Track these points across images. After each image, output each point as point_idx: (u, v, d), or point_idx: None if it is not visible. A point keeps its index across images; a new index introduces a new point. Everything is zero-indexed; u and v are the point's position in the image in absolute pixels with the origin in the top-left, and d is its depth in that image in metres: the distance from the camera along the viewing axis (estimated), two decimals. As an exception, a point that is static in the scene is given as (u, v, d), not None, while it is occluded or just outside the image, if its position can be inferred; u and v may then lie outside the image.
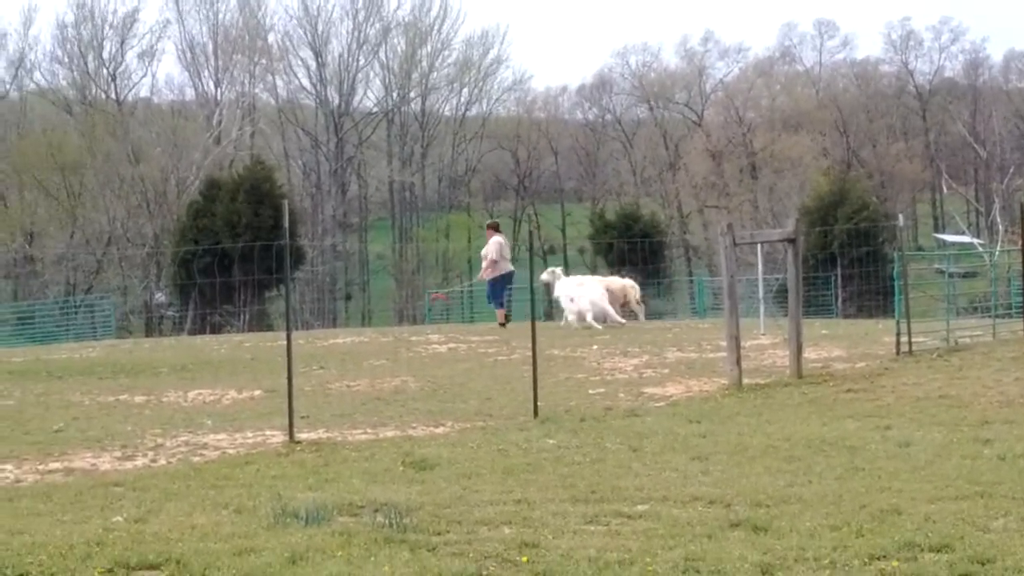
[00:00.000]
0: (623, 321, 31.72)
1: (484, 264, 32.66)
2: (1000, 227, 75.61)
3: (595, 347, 26.52)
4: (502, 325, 31.80)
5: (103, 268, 73.72)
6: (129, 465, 14.01)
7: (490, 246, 32.60)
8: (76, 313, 58.59)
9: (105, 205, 75.12)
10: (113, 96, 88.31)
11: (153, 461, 14.26)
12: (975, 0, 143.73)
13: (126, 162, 77.40)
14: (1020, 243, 29.38)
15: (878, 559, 9.23)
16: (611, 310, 31.50)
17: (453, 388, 20.97)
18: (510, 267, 32.87)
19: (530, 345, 18.55)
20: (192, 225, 65.40)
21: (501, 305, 32.58)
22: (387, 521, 10.31)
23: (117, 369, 24.83)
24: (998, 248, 49.42)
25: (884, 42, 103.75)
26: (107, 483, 12.65)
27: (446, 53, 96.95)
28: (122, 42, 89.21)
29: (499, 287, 32.58)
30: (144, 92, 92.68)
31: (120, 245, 73.91)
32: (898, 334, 22.96)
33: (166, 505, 11.41)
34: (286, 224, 17.37)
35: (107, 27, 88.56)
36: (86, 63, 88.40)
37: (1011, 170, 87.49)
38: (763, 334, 27.83)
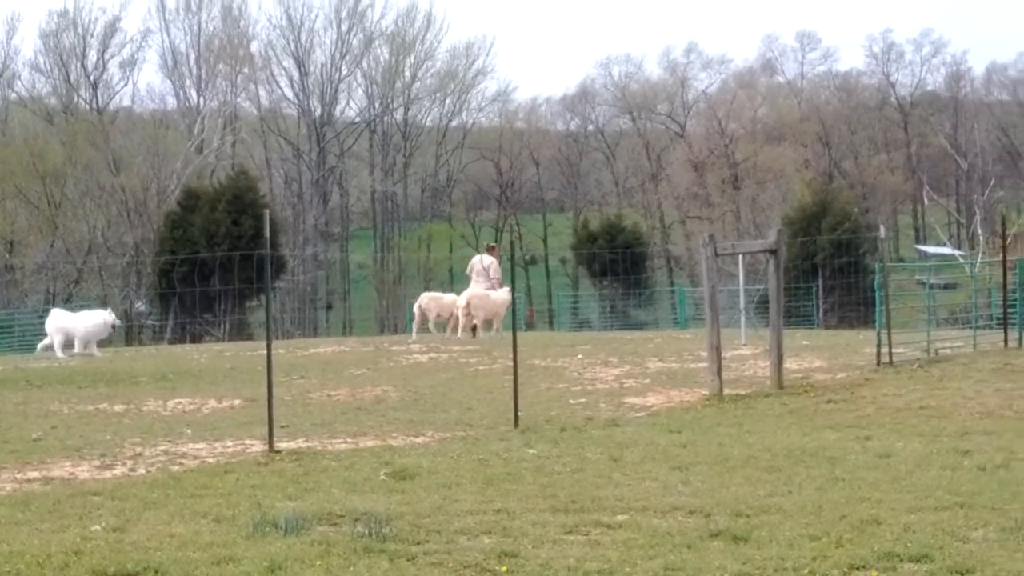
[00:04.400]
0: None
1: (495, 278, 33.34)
2: (981, 239, 75.66)
3: (582, 356, 26.53)
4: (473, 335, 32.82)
5: (83, 277, 73.52)
6: (108, 474, 13.96)
7: (493, 264, 33.96)
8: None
9: (85, 214, 74.95)
10: (94, 105, 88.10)
11: (132, 470, 14.21)
12: (956, 13, 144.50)
13: (107, 171, 77.19)
14: (1001, 255, 29.45)
15: (857, 569, 9.24)
16: None
17: (434, 398, 20.96)
18: (479, 287, 33.52)
19: (511, 355, 18.55)
20: (170, 235, 65.27)
21: None
22: (367, 531, 10.29)
23: (96, 378, 24.74)
24: (979, 260, 49.47)
25: (866, 54, 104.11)
26: (86, 492, 12.59)
27: (429, 63, 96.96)
28: (104, 51, 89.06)
29: None
30: (125, 101, 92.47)
31: (100, 254, 73.72)
32: (879, 345, 23.00)
33: (145, 514, 11.37)
34: (267, 234, 17.35)
35: (89, 36, 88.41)
36: (67, 72, 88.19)
37: (992, 182, 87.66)
38: (744, 344, 27.86)
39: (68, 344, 31.03)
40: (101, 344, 31.99)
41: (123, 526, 10.81)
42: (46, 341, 31.77)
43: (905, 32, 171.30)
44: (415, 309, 34.37)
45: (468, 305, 32.92)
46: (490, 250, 34.84)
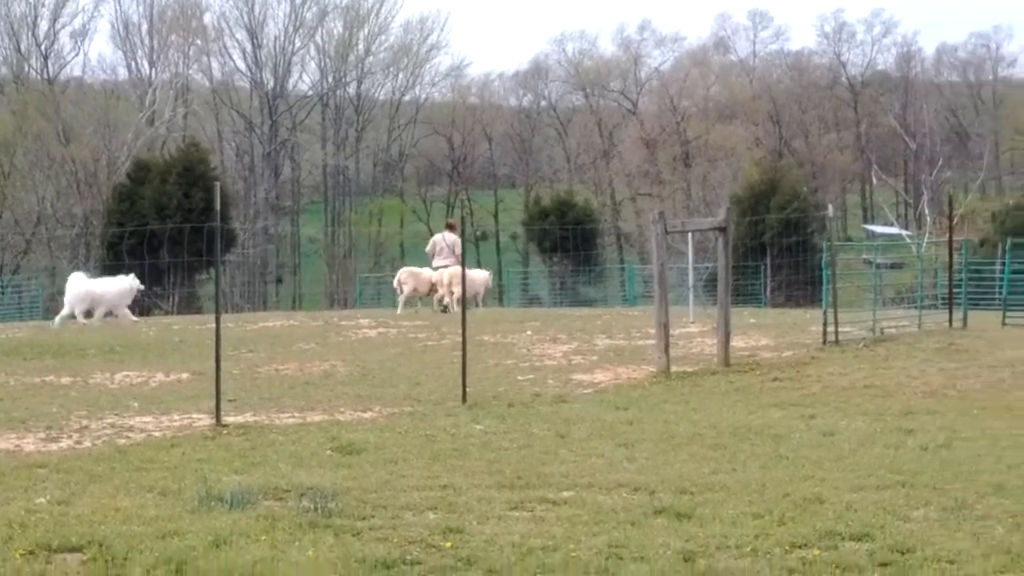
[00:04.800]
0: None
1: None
2: (928, 219, 76.19)
3: (531, 333, 26.59)
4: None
5: (32, 249, 72.99)
6: (54, 447, 13.92)
7: (457, 242, 33.36)
8: (3, 294, 58.01)
9: (35, 185, 74.35)
10: (45, 75, 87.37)
11: (78, 443, 14.18)
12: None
13: (57, 142, 76.60)
14: (947, 235, 29.67)
15: (799, 547, 9.33)
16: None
17: (382, 373, 20.97)
18: (442, 262, 33.28)
19: (460, 331, 18.58)
20: (118, 208, 64.85)
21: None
22: (312, 505, 10.31)
23: (43, 350, 24.61)
24: (925, 240, 49.79)
25: (817, 34, 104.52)
26: (31, 464, 12.56)
27: (383, 38, 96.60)
28: (55, 20, 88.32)
29: None
30: (76, 71, 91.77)
31: (49, 225, 73.18)
32: (825, 324, 23.15)
33: (90, 487, 11.36)
34: (217, 206, 17.31)
35: (40, 5, 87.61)
36: (18, 41, 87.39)
37: (940, 162, 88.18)
38: (692, 322, 27.97)
39: (89, 312, 30.66)
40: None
41: (68, 499, 10.79)
42: (65, 312, 31.17)
43: (856, 12, 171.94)
44: (395, 283, 34.04)
45: (451, 283, 32.76)
46: (451, 227, 34.49)
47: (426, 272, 33.89)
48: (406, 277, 33.83)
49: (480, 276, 34.50)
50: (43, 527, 9.64)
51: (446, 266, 32.89)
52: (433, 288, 33.40)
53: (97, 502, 10.64)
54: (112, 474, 12.05)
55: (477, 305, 33.57)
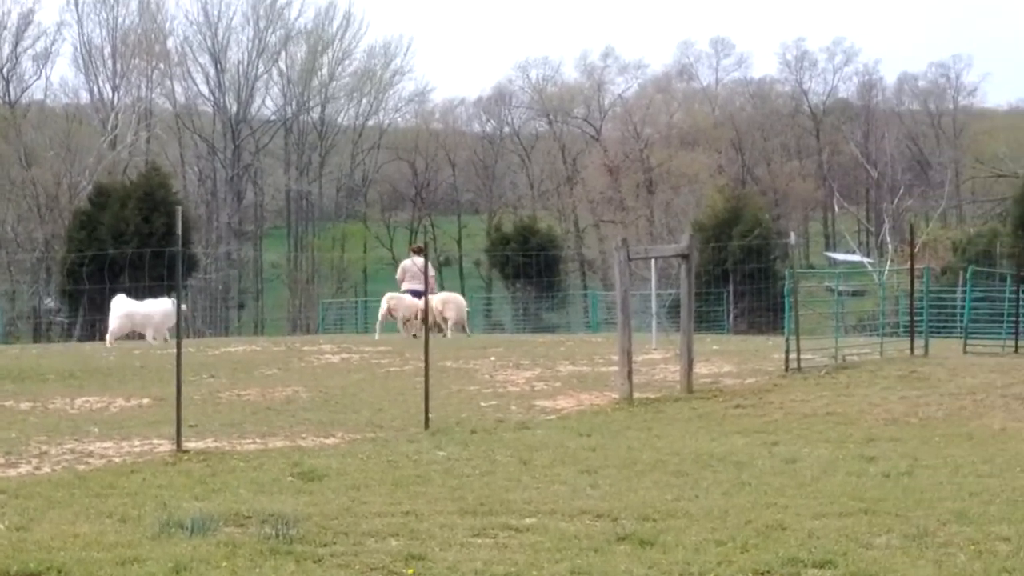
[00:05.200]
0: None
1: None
2: (889, 247, 76.58)
3: (494, 359, 26.56)
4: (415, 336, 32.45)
5: (-9, 272, 72.65)
6: (12, 472, 13.79)
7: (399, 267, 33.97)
8: (-38, 317, 57.62)
9: (-5, 208, 74.07)
10: (6, 99, 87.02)
11: (37, 468, 14.06)
12: (867, 22, 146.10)
13: (18, 165, 76.35)
14: (909, 263, 29.82)
15: (762, 574, 9.33)
16: None
17: (344, 399, 20.90)
18: (413, 286, 33.17)
19: (423, 356, 18.54)
20: (77, 235, 64.60)
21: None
22: (273, 532, 10.25)
23: (2, 375, 24.41)
24: (887, 268, 50.05)
25: (779, 62, 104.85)
26: (-11, 490, 12.45)
27: (347, 63, 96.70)
28: (17, 44, 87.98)
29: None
30: (38, 95, 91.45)
31: (10, 249, 72.83)
32: (787, 351, 23.19)
33: (49, 513, 11.26)
34: (179, 231, 17.24)
35: (2, 28, 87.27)
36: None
37: (901, 191, 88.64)
38: (655, 349, 27.98)
39: (127, 333, 30.79)
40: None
41: (27, 525, 10.69)
42: (113, 332, 31.42)
43: (818, 40, 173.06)
44: (383, 311, 33.75)
45: (444, 309, 32.95)
46: (419, 251, 34.41)
47: (408, 298, 33.76)
48: (396, 304, 33.48)
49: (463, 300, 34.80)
50: (1, 553, 9.55)
51: (419, 290, 32.80)
52: (415, 314, 33.28)
53: (56, 528, 10.55)
54: (71, 500, 11.95)
55: (466, 331, 33.74)
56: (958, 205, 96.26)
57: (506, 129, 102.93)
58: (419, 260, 33.55)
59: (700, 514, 11.32)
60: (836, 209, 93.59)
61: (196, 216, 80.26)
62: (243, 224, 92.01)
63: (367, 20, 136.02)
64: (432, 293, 32.92)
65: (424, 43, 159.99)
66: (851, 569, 9.39)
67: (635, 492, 12.56)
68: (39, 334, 64.14)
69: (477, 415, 19.04)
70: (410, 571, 9.29)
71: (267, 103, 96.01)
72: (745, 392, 21.01)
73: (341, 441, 16.34)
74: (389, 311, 33.11)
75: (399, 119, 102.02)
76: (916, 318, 26.96)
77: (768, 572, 9.35)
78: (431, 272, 33.20)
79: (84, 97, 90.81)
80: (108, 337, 32.03)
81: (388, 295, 33.81)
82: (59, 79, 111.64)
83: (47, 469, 14.03)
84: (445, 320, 32.81)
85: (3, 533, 10.34)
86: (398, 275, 34.22)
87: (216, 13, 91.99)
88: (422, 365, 18.63)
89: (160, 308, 31.53)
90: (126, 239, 61.12)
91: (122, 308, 31.41)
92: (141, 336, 32.19)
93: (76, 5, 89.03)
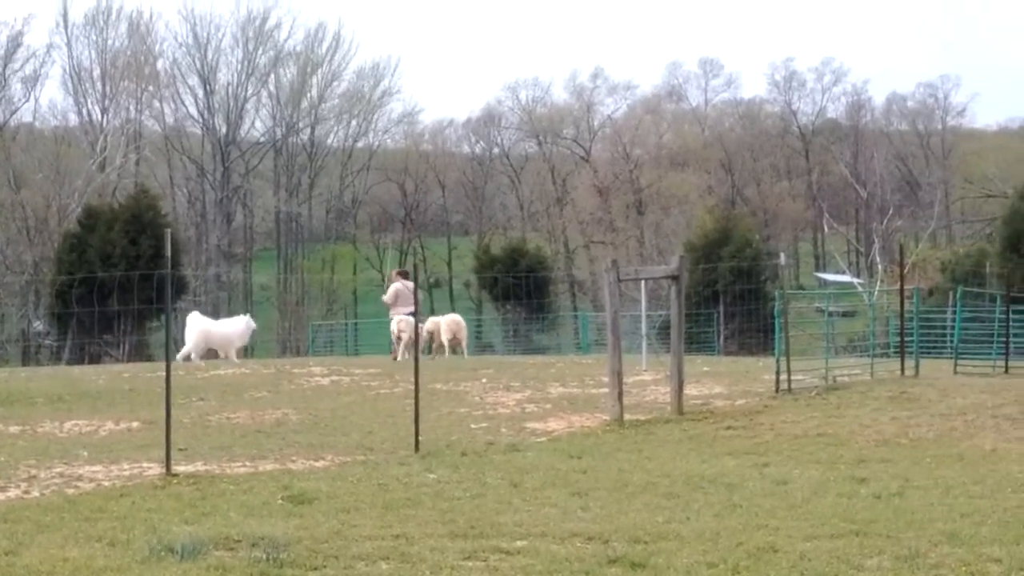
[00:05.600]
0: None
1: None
2: (879, 267, 76.72)
3: (485, 381, 26.53)
4: (395, 359, 32.91)
5: (-19, 295, 72.51)
6: (1, 496, 13.75)
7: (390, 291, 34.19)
8: (-49, 340, 57.50)
9: (-17, 231, 73.96)
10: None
11: (26, 492, 14.02)
12: (856, 42, 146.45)
13: (7, 188, 76.27)
14: (899, 284, 29.83)
15: (753, 597, 9.30)
16: None
17: (334, 421, 20.86)
18: (408, 310, 33.29)
19: (413, 379, 18.51)
20: (67, 257, 64.51)
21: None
22: (264, 556, 10.21)
23: (-9, 398, 24.36)
24: (877, 288, 50.09)
25: (768, 82, 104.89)
26: (-22, 515, 12.40)
27: (336, 84, 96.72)
28: (5, 66, 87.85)
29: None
30: (27, 117, 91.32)
31: (-1, 272, 72.72)
32: (778, 372, 23.20)
33: (38, 537, 11.21)
34: (168, 253, 17.20)
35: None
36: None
37: (891, 211, 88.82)
38: (645, 370, 27.99)
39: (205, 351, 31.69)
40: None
41: (15, 549, 10.65)
42: (186, 350, 32.07)
43: (807, 61, 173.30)
44: (395, 331, 33.98)
45: (450, 329, 34.10)
46: (405, 275, 34.75)
47: (410, 319, 33.95)
48: (404, 325, 33.53)
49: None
50: (-11, 579, 9.51)
51: (412, 313, 32.92)
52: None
53: (45, 552, 10.51)
54: (61, 524, 11.91)
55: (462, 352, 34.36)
56: (947, 225, 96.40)
57: (495, 150, 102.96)
58: (409, 284, 33.67)
59: (691, 536, 11.30)
60: (826, 229, 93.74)
61: (185, 238, 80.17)
62: (232, 246, 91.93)
63: (356, 41, 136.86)
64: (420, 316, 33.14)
65: (413, 64, 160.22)
66: (843, 591, 9.37)
67: (626, 514, 12.54)
68: (28, 357, 63.94)
69: (467, 437, 19.02)
70: (401, 595, 9.26)
71: (256, 125, 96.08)
72: (736, 413, 21.00)
73: (331, 464, 16.30)
74: (399, 332, 33.23)
75: (388, 140, 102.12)
76: (906, 338, 26.98)
77: (760, 595, 9.33)
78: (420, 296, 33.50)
79: (73, 119, 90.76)
80: (183, 354, 32.27)
81: (399, 318, 33.87)
82: (48, 101, 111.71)
83: (36, 493, 13.99)
84: (459, 342, 33.84)
85: (-8, 558, 10.30)
86: (388, 299, 34.20)
87: (205, 35, 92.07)
88: (412, 387, 18.60)
89: (236, 327, 31.96)
90: (114, 261, 60.97)
91: (199, 326, 31.89)
92: (215, 355, 32.78)
93: (66, 27, 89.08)
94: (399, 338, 33.35)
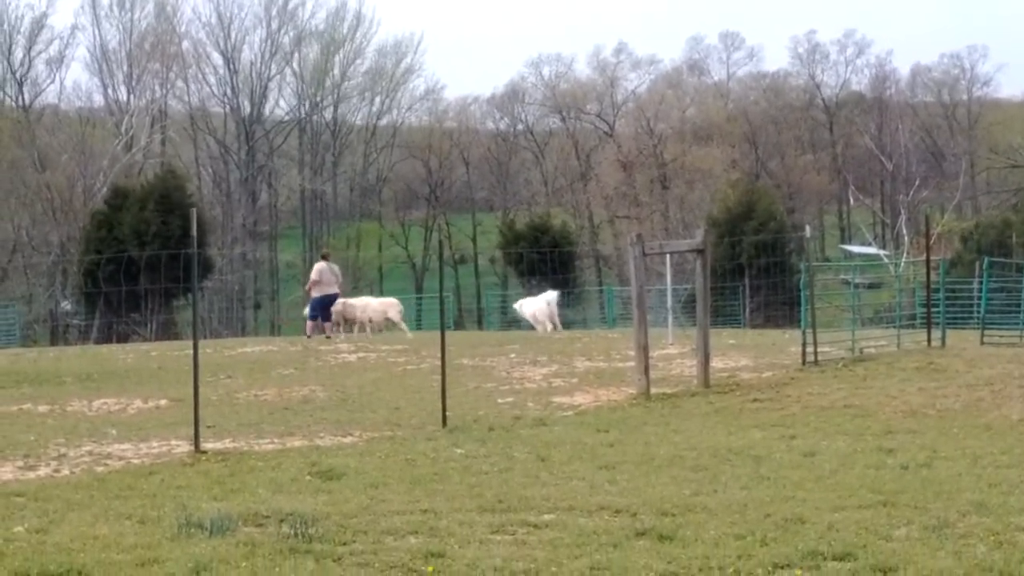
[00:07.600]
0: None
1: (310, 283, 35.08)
2: (905, 239, 76.50)
3: (511, 356, 26.56)
4: (308, 336, 34.28)
5: (8, 276, 72.80)
6: (32, 475, 13.83)
7: (313, 270, 35.23)
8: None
9: (10, 213, 74.20)
10: (20, 102, 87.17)
11: (56, 471, 14.09)
12: (879, 13, 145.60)
13: (32, 169, 76.53)
14: (924, 255, 29.74)
15: (782, 568, 9.29)
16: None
17: (362, 398, 20.92)
18: (334, 290, 34.33)
19: (439, 354, 18.54)
20: (96, 234, 64.73)
21: (314, 319, 34.71)
22: (292, 531, 10.25)
23: (20, 378, 24.51)
24: (903, 260, 49.93)
25: (791, 55, 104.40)
26: (9, 493, 12.48)
27: (359, 62, 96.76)
28: (30, 48, 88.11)
29: (317, 304, 34.30)
30: (52, 99, 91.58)
31: (25, 253, 73.02)
32: (804, 344, 23.17)
33: (68, 515, 11.28)
34: (194, 232, 17.26)
35: (15, 32, 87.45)
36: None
37: (916, 182, 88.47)
38: (671, 344, 27.97)
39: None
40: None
41: (46, 527, 10.71)
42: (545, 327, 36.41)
43: (829, 32, 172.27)
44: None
45: (389, 310, 35.36)
46: (325, 257, 35.82)
47: (366, 300, 35.09)
48: (347, 308, 34.55)
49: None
50: (21, 556, 9.56)
51: (336, 294, 33.88)
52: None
53: (76, 530, 10.56)
54: (91, 502, 11.97)
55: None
56: (973, 196, 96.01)
57: (519, 126, 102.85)
58: (335, 267, 34.71)
59: (719, 508, 11.31)
60: (851, 202, 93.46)
61: (211, 217, 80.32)
62: (258, 225, 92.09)
63: (378, 19, 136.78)
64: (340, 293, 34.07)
65: (436, 41, 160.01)
66: (871, 561, 9.36)
67: (653, 487, 12.55)
68: (56, 337, 64.27)
69: (494, 412, 19.05)
70: (430, 569, 9.29)
71: (280, 104, 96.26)
72: (762, 386, 20.99)
73: (359, 440, 16.35)
74: (343, 314, 33.99)
75: (412, 118, 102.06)
76: (933, 309, 26.89)
77: (788, 566, 9.33)
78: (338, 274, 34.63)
79: (98, 100, 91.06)
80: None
81: (341, 300, 34.60)
82: (72, 83, 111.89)
83: (66, 472, 14.07)
84: (389, 320, 35.01)
85: (23, 536, 10.36)
86: (314, 277, 34.35)
87: (229, 15, 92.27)
88: (438, 363, 18.64)
89: (534, 305, 37.61)
90: (146, 240, 61.27)
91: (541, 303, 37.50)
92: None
93: (93, 8, 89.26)
94: (345, 321, 34.17)
